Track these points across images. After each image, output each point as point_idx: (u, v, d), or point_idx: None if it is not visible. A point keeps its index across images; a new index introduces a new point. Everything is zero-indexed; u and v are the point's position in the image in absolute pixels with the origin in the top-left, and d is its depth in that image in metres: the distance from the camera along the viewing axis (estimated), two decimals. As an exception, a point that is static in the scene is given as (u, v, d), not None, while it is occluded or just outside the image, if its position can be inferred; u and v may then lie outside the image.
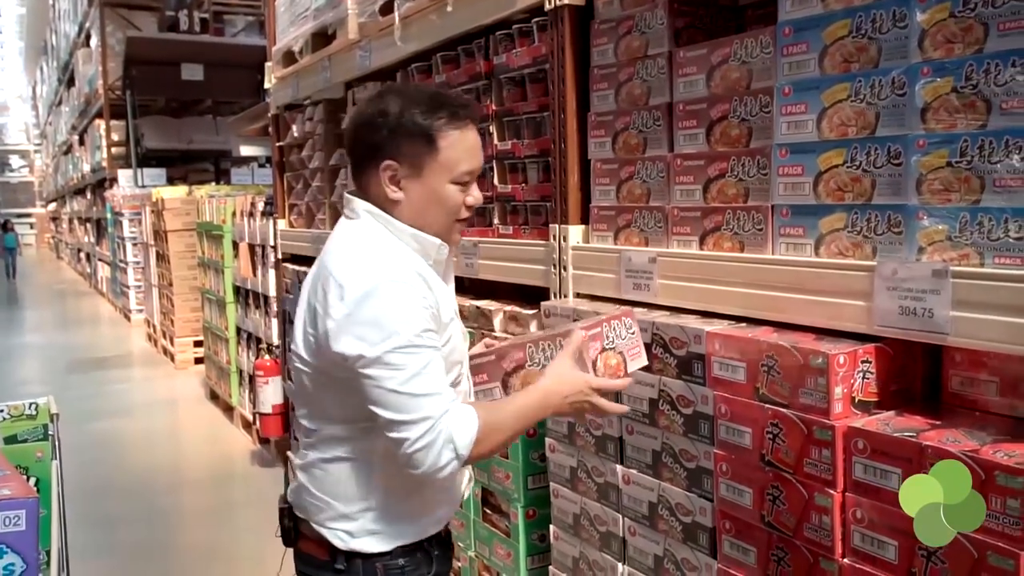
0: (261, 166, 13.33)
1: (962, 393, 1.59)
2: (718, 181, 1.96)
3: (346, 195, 1.72)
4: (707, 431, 1.85)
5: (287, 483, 1.84)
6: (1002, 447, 1.38)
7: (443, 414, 1.52)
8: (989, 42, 1.43)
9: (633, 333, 1.79)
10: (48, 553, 1.99)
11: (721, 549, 1.83)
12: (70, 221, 20.58)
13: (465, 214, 1.70)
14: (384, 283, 1.54)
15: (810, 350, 1.60)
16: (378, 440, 1.59)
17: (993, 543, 1.32)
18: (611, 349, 1.73)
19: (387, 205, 1.66)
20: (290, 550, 1.80)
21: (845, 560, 1.56)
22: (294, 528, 1.76)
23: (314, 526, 1.69)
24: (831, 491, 1.57)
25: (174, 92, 13.16)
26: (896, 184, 1.58)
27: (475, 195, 1.70)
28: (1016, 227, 1.39)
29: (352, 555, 1.67)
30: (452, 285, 1.82)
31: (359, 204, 1.68)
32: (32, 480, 2.13)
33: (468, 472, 1.88)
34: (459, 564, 2.81)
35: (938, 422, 1.53)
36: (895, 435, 1.48)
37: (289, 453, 1.84)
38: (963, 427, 1.49)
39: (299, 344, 1.67)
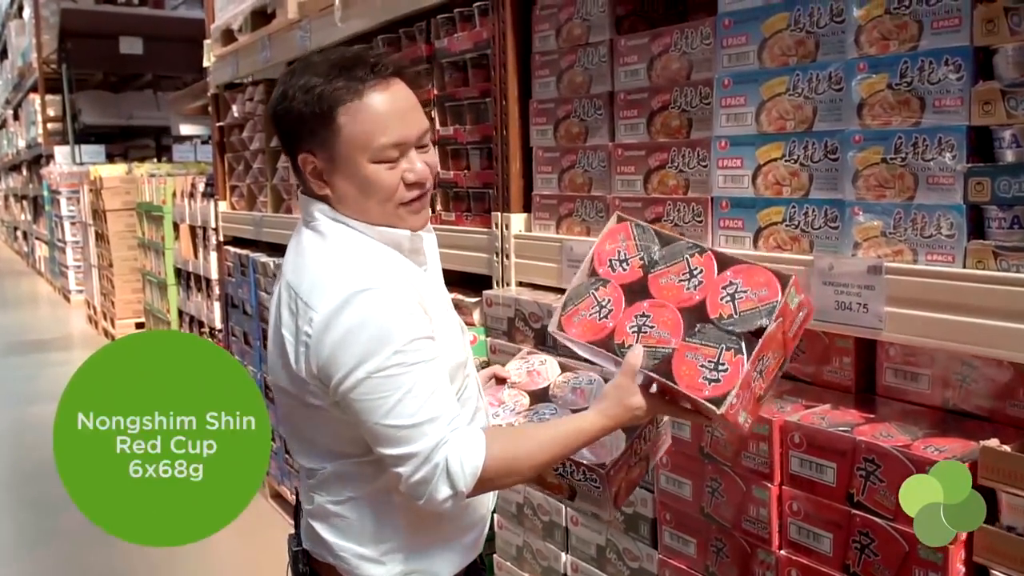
0: (204, 143, 13.02)
1: (895, 386, 1.62)
2: (659, 172, 1.95)
3: (299, 197, 1.50)
4: (648, 423, 1.85)
5: (297, 522, 1.64)
6: (933, 442, 1.40)
7: (437, 445, 1.30)
8: (923, 40, 1.43)
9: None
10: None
11: (662, 540, 1.84)
12: (5, 198, 19.98)
13: (408, 195, 1.42)
14: (352, 297, 1.32)
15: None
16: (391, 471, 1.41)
17: (923, 537, 1.34)
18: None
19: (329, 202, 1.44)
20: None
21: (782, 552, 1.58)
22: (311, 571, 1.56)
23: (343, 573, 1.50)
24: (768, 484, 1.59)
25: (112, 66, 12.76)
26: (833, 179, 1.58)
27: (415, 169, 1.41)
28: (948, 224, 1.41)
29: None
30: (439, 274, 1.61)
31: (314, 207, 1.45)
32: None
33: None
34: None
35: (872, 416, 1.55)
36: (830, 430, 1.49)
37: (297, 492, 1.66)
38: (896, 421, 1.51)
39: (277, 374, 1.44)
